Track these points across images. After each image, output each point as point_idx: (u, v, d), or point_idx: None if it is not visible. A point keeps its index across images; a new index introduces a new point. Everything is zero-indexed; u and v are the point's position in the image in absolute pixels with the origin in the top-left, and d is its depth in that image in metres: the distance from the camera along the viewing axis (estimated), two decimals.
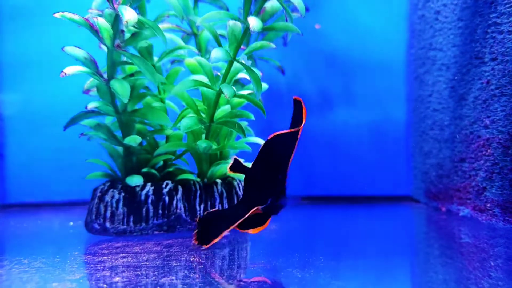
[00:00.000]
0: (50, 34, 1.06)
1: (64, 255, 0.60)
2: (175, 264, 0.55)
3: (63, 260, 0.57)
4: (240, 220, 0.61)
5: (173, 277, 0.50)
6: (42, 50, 1.07)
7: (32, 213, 0.99)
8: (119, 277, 0.49)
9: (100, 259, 0.58)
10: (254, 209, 0.61)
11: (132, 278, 0.49)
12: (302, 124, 0.62)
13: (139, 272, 0.51)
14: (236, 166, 0.65)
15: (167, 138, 0.79)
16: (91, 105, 0.69)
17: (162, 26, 0.84)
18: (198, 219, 0.64)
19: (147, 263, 0.55)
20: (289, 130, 0.63)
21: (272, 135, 0.63)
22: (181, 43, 0.81)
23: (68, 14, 0.62)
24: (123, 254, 0.60)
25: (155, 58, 0.79)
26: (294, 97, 0.64)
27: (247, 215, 0.61)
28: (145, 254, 0.60)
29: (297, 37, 1.18)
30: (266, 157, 0.63)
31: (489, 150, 0.78)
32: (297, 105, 0.64)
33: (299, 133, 0.63)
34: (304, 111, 0.63)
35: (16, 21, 1.08)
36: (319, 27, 1.13)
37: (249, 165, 0.66)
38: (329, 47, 1.17)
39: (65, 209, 1.03)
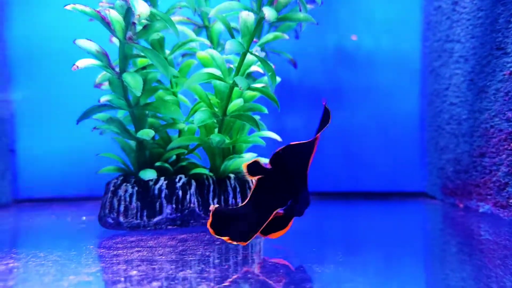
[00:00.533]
0: (61, 29, 1.06)
1: (79, 248, 0.60)
2: (191, 258, 0.54)
3: (79, 254, 0.56)
4: (264, 224, 0.58)
5: (190, 271, 0.49)
6: (52, 45, 1.07)
7: (44, 208, 0.99)
8: (136, 271, 0.48)
9: (115, 252, 0.57)
10: (275, 211, 0.59)
11: (149, 272, 0.48)
12: (319, 134, 0.61)
13: (155, 266, 0.50)
14: (255, 168, 0.61)
15: (180, 132, 0.79)
16: (104, 99, 0.68)
17: (173, 18, 0.83)
18: (212, 213, 0.60)
19: (163, 257, 0.55)
20: (305, 141, 0.61)
21: (287, 145, 0.60)
22: (193, 35, 0.80)
23: (80, 6, 0.62)
24: (138, 248, 0.59)
25: (167, 51, 0.78)
26: (324, 104, 0.62)
27: (269, 219, 0.59)
28: (160, 248, 0.59)
29: (309, 30, 1.16)
30: (283, 163, 0.61)
31: (511, 144, 0.76)
32: (326, 111, 0.62)
33: (317, 140, 0.61)
34: (329, 119, 0.61)
35: (27, 16, 1.08)
36: (356, 39, 1.12)
37: (264, 160, 0.64)
38: (341, 40, 1.15)
39: (77, 204, 1.03)
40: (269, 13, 0.62)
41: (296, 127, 1.15)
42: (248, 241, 0.58)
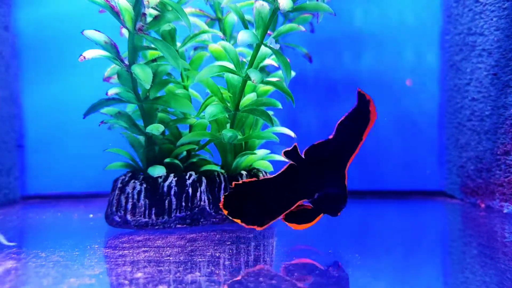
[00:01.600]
0: (71, 23, 1.04)
1: (84, 248, 0.57)
2: (200, 259, 0.52)
3: (82, 254, 0.54)
4: (285, 212, 0.59)
5: (199, 274, 0.46)
6: (62, 39, 1.05)
7: (51, 205, 0.97)
8: (141, 273, 0.46)
9: (120, 253, 0.54)
10: (299, 202, 0.59)
11: (155, 274, 0.45)
12: (365, 135, 0.60)
13: (162, 268, 0.48)
14: (292, 154, 0.60)
15: (191, 127, 0.76)
16: (112, 91, 0.66)
17: (185, 10, 0.80)
18: (233, 184, 0.60)
19: (170, 258, 0.52)
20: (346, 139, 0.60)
21: (326, 140, 0.60)
22: (205, 27, 0.77)
23: None
24: (145, 248, 0.56)
25: (178, 44, 0.76)
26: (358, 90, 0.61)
27: (291, 208, 0.59)
28: (168, 248, 0.56)
29: (324, 23, 1.13)
30: (318, 156, 0.60)
31: None
32: (361, 99, 0.60)
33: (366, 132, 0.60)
34: (372, 109, 0.59)
35: (35, 9, 1.06)
36: (410, 84, 1.09)
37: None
38: (357, 34, 1.12)
39: (85, 201, 1.01)
40: (284, 2, 0.58)
41: (310, 122, 1.12)
42: (264, 227, 0.59)
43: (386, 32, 1.11)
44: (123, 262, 0.50)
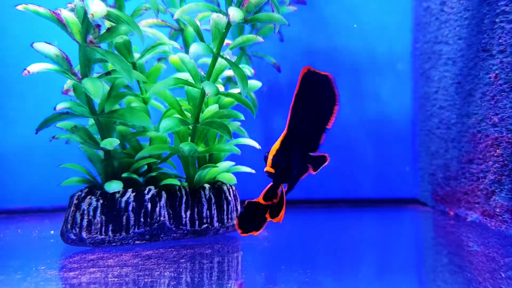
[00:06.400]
0: (28, 31, 1.00)
1: (28, 270, 0.55)
2: (147, 280, 0.50)
3: (23, 277, 0.51)
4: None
5: None
6: (19, 48, 1.02)
7: (15, 220, 0.95)
8: None
9: (65, 275, 0.52)
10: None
11: None
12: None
13: None
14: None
15: (151, 141, 0.74)
16: (61, 106, 0.64)
17: (147, 21, 0.79)
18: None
19: (116, 279, 0.50)
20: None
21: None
22: (165, 38, 0.76)
23: (32, 7, 0.57)
24: (93, 269, 0.54)
25: (137, 55, 0.74)
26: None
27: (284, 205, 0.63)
28: (118, 268, 0.55)
29: (297, 33, 1.12)
30: None
31: (498, 151, 0.71)
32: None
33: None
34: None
35: None
36: None
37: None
38: (330, 43, 1.11)
39: (52, 216, 0.98)
40: (234, 14, 0.57)
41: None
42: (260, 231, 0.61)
43: (360, 40, 1.11)
44: (64, 285, 0.48)
